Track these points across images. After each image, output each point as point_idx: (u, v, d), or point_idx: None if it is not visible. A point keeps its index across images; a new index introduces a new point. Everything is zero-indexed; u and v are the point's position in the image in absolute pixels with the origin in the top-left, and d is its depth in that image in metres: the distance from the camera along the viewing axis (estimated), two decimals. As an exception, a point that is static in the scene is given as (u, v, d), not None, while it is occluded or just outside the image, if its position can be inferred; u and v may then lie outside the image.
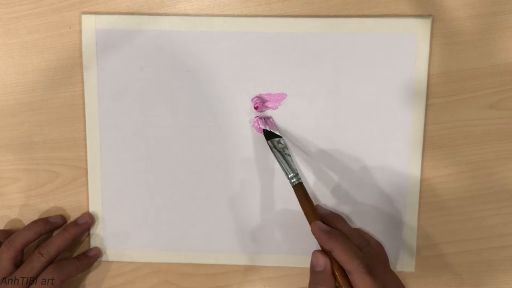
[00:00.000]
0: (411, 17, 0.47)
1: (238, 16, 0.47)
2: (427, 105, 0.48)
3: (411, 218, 0.49)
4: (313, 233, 0.43)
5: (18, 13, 0.48)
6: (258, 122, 0.47)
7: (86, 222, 0.49)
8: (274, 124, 0.48)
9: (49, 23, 0.48)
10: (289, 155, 0.47)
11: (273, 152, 0.47)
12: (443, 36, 0.47)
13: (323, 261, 0.42)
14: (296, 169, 0.46)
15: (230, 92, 0.48)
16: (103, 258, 0.51)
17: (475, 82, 0.48)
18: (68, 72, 0.49)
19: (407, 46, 0.47)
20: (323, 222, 0.44)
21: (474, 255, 0.50)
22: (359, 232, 0.46)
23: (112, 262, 0.51)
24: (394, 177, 0.49)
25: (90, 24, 0.48)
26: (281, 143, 0.47)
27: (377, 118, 0.48)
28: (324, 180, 0.49)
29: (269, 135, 0.47)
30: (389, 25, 0.47)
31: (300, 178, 0.45)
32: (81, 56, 0.48)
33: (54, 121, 0.49)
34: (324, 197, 0.49)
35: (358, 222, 0.49)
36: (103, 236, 0.51)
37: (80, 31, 0.48)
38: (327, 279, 0.41)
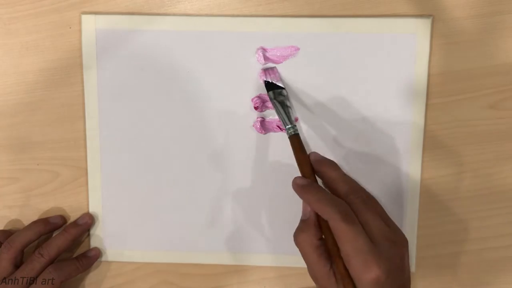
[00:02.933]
0: (411, 17, 0.47)
1: (238, 16, 0.47)
2: (427, 105, 0.48)
3: (411, 218, 0.49)
4: (292, 187, 0.43)
5: (18, 13, 0.48)
6: (262, 75, 0.47)
7: (86, 223, 0.49)
8: (277, 75, 0.47)
9: (49, 23, 0.48)
10: (288, 106, 0.46)
11: (272, 103, 0.46)
12: (443, 36, 0.47)
13: (308, 210, 0.41)
14: (294, 121, 0.45)
15: (230, 92, 0.48)
16: (103, 258, 0.51)
17: (475, 82, 0.48)
18: (68, 72, 0.49)
19: (407, 46, 0.47)
20: (315, 169, 0.43)
21: (474, 255, 0.50)
22: (347, 179, 0.43)
23: (112, 262, 0.51)
24: (394, 177, 0.49)
25: (90, 24, 0.48)
26: (282, 95, 0.46)
27: (377, 118, 0.48)
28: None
29: (270, 87, 0.46)
30: (389, 25, 0.47)
31: (297, 130, 0.44)
32: (81, 56, 0.48)
33: (54, 121, 0.49)
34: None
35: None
36: (103, 236, 0.51)
37: (80, 31, 0.48)
38: (309, 227, 0.41)
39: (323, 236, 0.41)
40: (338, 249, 0.39)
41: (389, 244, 0.38)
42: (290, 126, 0.44)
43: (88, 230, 0.50)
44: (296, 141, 0.44)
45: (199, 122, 0.49)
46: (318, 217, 0.41)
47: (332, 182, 0.43)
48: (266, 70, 0.47)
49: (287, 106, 0.46)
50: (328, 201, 0.40)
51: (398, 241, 0.40)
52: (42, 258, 0.47)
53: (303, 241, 0.40)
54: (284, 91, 0.46)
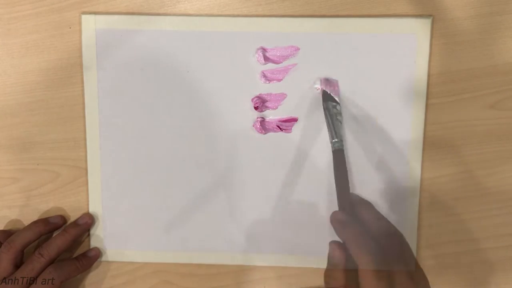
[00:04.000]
0: (411, 17, 0.47)
1: (238, 16, 0.48)
2: (427, 105, 0.48)
3: (411, 218, 0.49)
4: (330, 221, 0.43)
5: (18, 13, 0.48)
6: (323, 84, 0.46)
7: (86, 223, 0.50)
8: (338, 90, 0.47)
9: (49, 23, 0.48)
10: (340, 121, 0.46)
11: (325, 114, 0.46)
12: (443, 36, 0.47)
13: (338, 255, 0.41)
14: (341, 136, 0.45)
15: (230, 92, 0.48)
16: (103, 258, 0.51)
17: (475, 82, 0.48)
18: (68, 72, 0.49)
19: (407, 46, 0.47)
20: (351, 207, 0.44)
21: (474, 255, 0.50)
22: (384, 222, 0.43)
23: (112, 262, 0.51)
24: (394, 177, 0.49)
25: (90, 24, 0.48)
26: (336, 109, 0.46)
27: (377, 118, 0.48)
28: (323, 180, 0.49)
29: (327, 98, 0.47)
30: (389, 25, 0.47)
31: (342, 145, 0.45)
32: (81, 56, 0.48)
33: (54, 121, 0.49)
34: (323, 197, 0.49)
35: (358, 222, 0.49)
36: (103, 236, 0.51)
37: (80, 31, 0.48)
38: (341, 275, 0.41)
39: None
40: None
41: None
42: (336, 140, 0.45)
43: (88, 230, 0.50)
44: (339, 156, 0.45)
45: (199, 122, 0.49)
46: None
47: (366, 223, 0.43)
48: (327, 81, 0.47)
49: (338, 121, 0.46)
50: (365, 246, 0.39)
51: None
52: (42, 258, 0.47)
53: (334, 286, 0.41)
54: (338, 106, 0.47)
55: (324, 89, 0.47)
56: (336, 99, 0.47)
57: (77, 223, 0.49)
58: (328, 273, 0.41)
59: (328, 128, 0.46)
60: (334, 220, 0.43)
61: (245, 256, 0.50)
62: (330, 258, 0.42)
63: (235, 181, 0.49)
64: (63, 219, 0.50)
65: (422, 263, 0.50)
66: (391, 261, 0.39)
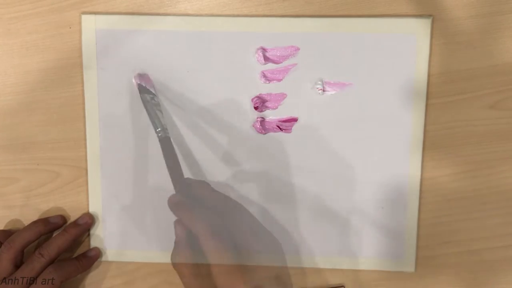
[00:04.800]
0: (411, 17, 0.47)
1: (238, 16, 0.47)
2: (427, 105, 0.48)
3: (411, 218, 0.49)
4: (168, 205, 0.45)
5: (18, 13, 0.48)
6: (136, 79, 0.47)
7: (86, 223, 0.50)
8: (151, 82, 0.48)
9: (49, 23, 0.48)
10: (160, 111, 0.47)
11: (145, 106, 0.47)
12: (443, 36, 0.47)
13: (179, 230, 0.43)
14: (164, 125, 0.46)
15: (230, 92, 0.48)
16: (103, 258, 0.51)
17: (475, 82, 0.48)
18: (68, 72, 0.49)
19: (407, 46, 0.47)
20: (189, 189, 0.46)
21: (474, 255, 0.50)
22: (218, 193, 0.47)
23: (112, 262, 0.51)
24: (394, 177, 0.49)
25: (90, 24, 0.48)
26: (154, 100, 0.47)
27: (377, 118, 0.48)
28: (323, 180, 0.49)
29: (143, 91, 0.47)
30: (389, 25, 0.47)
31: (167, 133, 0.46)
32: (81, 56, 0.48)
33: (54, 121, 0.49)
34: (323, 197, 0.49)
35: (358, 222, 0.49)
36: (103, 236, 0.51)
37: (80, 31, 0.48)
38: (184, 250, 0.43)
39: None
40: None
41: None
42: (160, 129, 0.46)
43: (88, 230, 0.50)
44: (167, 143, 0.46)
45: (199, 122, 0.49)
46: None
47: (202, 198, 0.46)
48: (140, 75, 0.48)
49: (158, 111, 0.47)
50: (200, 215, 0.42)
51: None
52: (42, 258, 0.47)
53: (182, 265, 0.43)
54: (156, 98, 0.47)
55: (139, 83, 0.47)
56: (152, 91, 0.47)
57: (77, 223, 0.49)
58: (174, 251, 0.43)
59: (150, 119, 0.46)
60: (170, 202, 0.45)
61: (245, 256, 0.50)
62: (175, 237, 0.43)
63: (235, 180, 0.49)
64: (63, 219, 0.50)
65: (422, 263, 0.50)
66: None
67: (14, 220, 0.51)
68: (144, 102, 0.47)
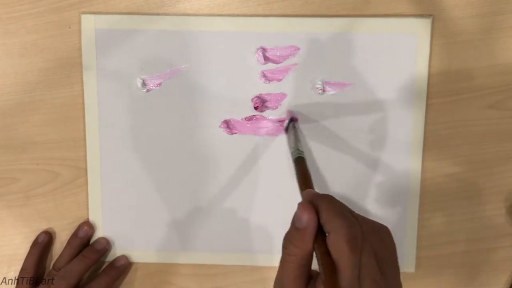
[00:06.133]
0: (411, 17, 0.47)
1: (238, 16, 0.47)
2: (427, 105, 0.48)
3: (411, 218, 0.49)
4: (304, 197, 0.36)
5: (17, 13, 0.48)
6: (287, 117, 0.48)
7: (104, 248, 0.50)
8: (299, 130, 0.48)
9: (48, 23, 0.48)
10: (298, 137, 0.46)
11: (286, 129, 0.47)
12: (443, 36, 0.47)
13: (306, 217, 0.32)
14: (300, 147, 0.44)
15: (230, 92, 0.48)
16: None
17: (475, 82, 0.48)
18: (68, 72, 0.49)
19: (407, 46, 0.47)
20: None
21: (474, 255, 0.50)
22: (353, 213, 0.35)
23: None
24: (394, 177, 0.49)
25: (90, 24, 0.48)
26: (295, 127, 0.47)
27: (377, 118, 0.48)
28: (323, 180, 0.49)
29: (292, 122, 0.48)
30: (389, 25, 0.47)
31: (302, 154, 0.42)
32: (80, 56, 0.48)
33: (54, 121, 0.49)
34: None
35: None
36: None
37: (80, 31, 0.48)
38: (305, 240, 0.32)
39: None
40: (330, 271, 0.31)
41: None
42: (294, 150, 0.43)
43: (105, 253, 0.51)
44: (300, 164, 0.41)
45: (199, 122, 0.49)
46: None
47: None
48: (290, 112, 0.48)
49: (301, 134, 0.47)
50: (341, 213, 0.32)
51: None
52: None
53: (293, 254, 0.33)
54: (297, 124, 0.47)
55: (292, 116, 0.48)
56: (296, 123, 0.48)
57: (95, 248, 0.50)
58: (290, 236, 0.33)
59: (288, 141, 0.46)
60: (309, 193, 0.36)
61: (246, 256, 0.50)
62: (296, 220, 0.33)
63: (236, 180, 0.49)
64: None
65: (422, 263, 0.50)
66: (368, 242, 0.33)
67: (14, 220, 0.51)
68: (288, 128, 0.47)
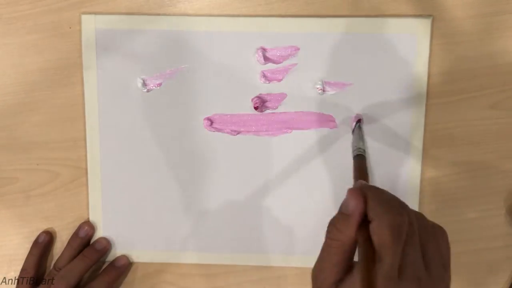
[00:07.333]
0: (411, 17, 0.47)
1: (238, 16, 0.47)
2: (427, 105, 0.48)
3: (411, 218, 0.49)
4: (355, 186, 0.35)
5: (17, 13, 0.48)
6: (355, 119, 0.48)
7: (105, 248, 0.50)
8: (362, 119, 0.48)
9: (48, 23, 0.48)
10: (363, 136, 0.46)
11: (353, 129, 0.47)
12: (443, 36, 0.47)
13: (353, 203, 0.32)
14: (362, 145, 0.45)
15: (230, 92, 0.48)
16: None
17: (475, 82, 0.48)
18: (68, 72, 0.49)
19: (407, 46, 0.47)
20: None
21: (474, 255, 0.50)
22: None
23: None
24: (394, 177, 0.48)
25: (90, 24, 0.48)
26: (360, 128, 0.47)
27: (377, 118, 0.48)
28: (323, 180, 0.49)
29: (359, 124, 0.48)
30: (389, 25, 0.47)
31: (363, 152, 0.43)
32: (81, 56, 0.48)
33: (54, 121, 0.49)
34: (322, 197, 0.49)
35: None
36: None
37: (80, 31, 0.48)
38: (350, 225, 0.31)
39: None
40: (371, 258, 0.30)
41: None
42: (355, 148, 0.44)
43: (105, 253, 0.51)
44: (359, 162, 0.42)
45: (199, 122, 0.49)
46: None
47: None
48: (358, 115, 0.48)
49: (362, 136, 0.47)
50: (388, 202, 0.32)
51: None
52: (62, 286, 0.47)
53: (336, 239, 0.32)
54: (361, 125, 0.48)
55: (359, 119, 0.47)
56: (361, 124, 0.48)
57: (96, 248, 0.50)
58: (335, 222, 0.32)
59: (353, 139, 0.46)
60: (359, 184, 0.36)
61: (246, 256, 0.50)
62: (343, 206, 0.32)
63: (236, 180, 0.49)
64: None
65: (422, 263, 0.50)
66: (416, 236, 0.32)
67: (14, 220, 0.51)
68: (355, 128, 0.47)
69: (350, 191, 0.33)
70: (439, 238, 0.33)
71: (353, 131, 0.47)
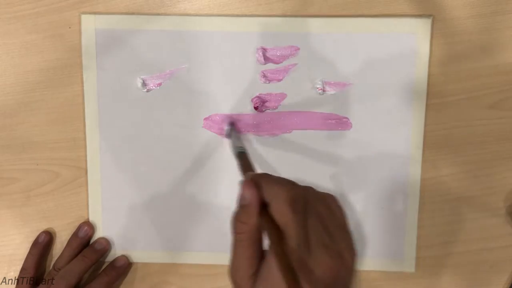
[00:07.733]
0: (411, 17, 0.47)
1: (238, 16, 0.47)
2: (427, 105, 0.48)
3: (411, 218, 0.49)
4: (246, 179, 0.35)
5: (17, 13, 0.48)
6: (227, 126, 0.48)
7: (104, 248, 0.50)
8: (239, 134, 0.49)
9: (48, 23, 0.48)
10: (241, 139, 0.48)
11: (227, 134, 0.48)
12: (443, 36, 0.47)
13: (248, 192, 0.33)
14: (242, 143, 0.46)
15: (230, 92, 0.48)
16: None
17: (475, 82, 0.48)
18: (68, 72, 0.49)
19: (407, 46, 0.47)
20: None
21: (474, 255, 0.50)
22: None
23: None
24: (394, 177, 0.49)
25: (90, 24, 0.48)
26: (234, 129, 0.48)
27: (377, 118, 0.48)
28: (323, 180, 0.49)
29: (232, 131, 0.48)
30: (389, 25, 0.47)
31: (243, 149, 0.44)
32: (80, 56, 0.48)
33: (54, 121, 0.49)
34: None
35: (358, 222, 0.49)
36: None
37: (80, 31, 0.48)
38: (251, 215, 0.33)
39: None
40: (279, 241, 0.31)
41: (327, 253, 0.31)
42: (235, 148, 0.45)
43: (105, 253, 0.51)
44: (243, 157, 0.43)
45: (199, 122, 0.49)
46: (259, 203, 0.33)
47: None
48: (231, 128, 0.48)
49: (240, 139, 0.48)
50: (279, 182, 0.33)
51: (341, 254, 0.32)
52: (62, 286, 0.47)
53: (242, 231, 0.33)
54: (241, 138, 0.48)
55: (229, 127, 0.48)
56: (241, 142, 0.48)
57: (95, 248, 0.50)
58: (237, 216, 0.34)
59: (231, 143, 0.47)
60: (248, 175, 0.36)
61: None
62: (241, 199, 0.34)
63: (236, 180, 0.49)
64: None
65: (422, 263, 0.50)
66: (310, 205, 0.33)
67: (14, 220, 0.51)
68: (230, 131, 0.48)
69: (243, 184, 0.34)
70: (332, 204, 0.34)
71: (228, 135, 0.48)
